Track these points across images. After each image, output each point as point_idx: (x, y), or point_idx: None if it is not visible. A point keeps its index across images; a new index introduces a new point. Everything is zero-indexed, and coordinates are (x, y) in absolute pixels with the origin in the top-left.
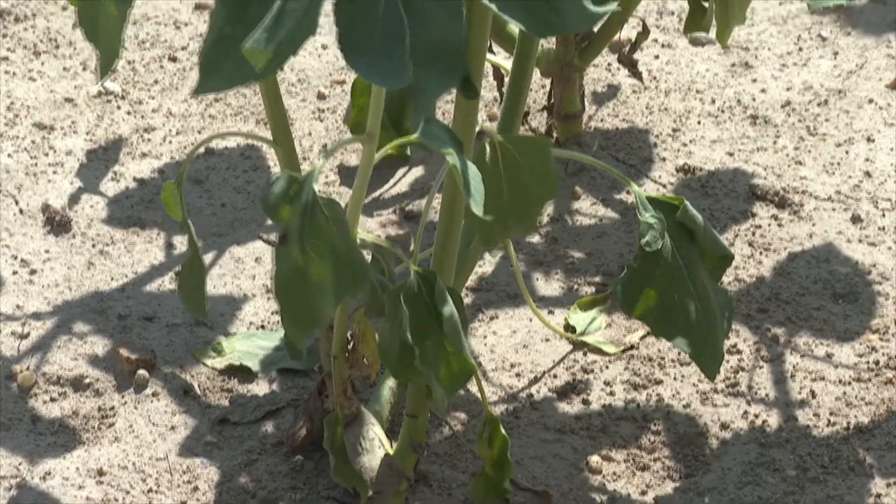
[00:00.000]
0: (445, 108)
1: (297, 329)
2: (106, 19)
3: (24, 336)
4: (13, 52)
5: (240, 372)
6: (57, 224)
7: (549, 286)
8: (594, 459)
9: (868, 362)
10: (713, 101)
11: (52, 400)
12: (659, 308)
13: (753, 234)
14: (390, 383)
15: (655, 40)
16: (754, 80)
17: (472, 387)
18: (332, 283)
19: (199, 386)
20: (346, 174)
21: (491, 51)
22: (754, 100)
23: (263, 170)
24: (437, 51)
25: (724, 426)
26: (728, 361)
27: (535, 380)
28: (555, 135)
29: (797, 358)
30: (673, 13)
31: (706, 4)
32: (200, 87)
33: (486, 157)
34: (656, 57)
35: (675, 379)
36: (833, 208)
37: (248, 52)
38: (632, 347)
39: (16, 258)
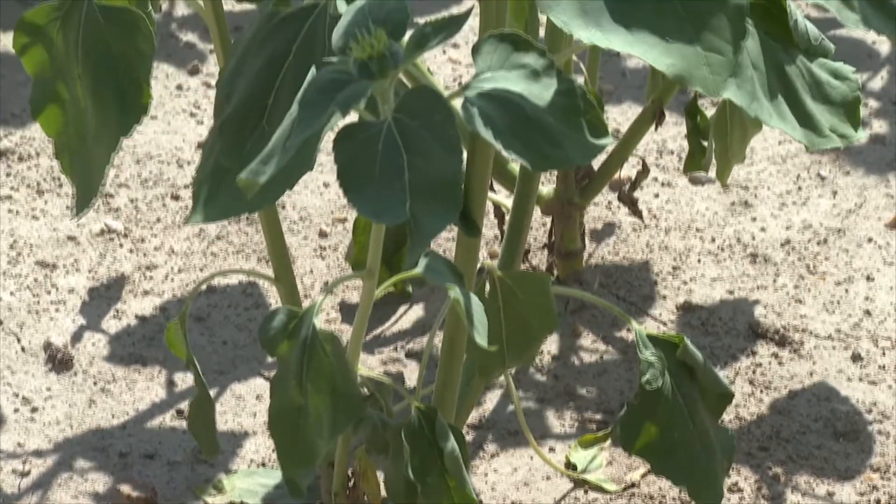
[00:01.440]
0: (446, 245)
1: (293, 465)
2: (87, 157)
3: (25, 474)
4: (16, 191)
5: None
6: (58, 362)
7: (551, 423)
8: None
9: (869, 501)
10: (713, 240)
11: None
12: (659, 446)
13: (754, 372)
14: None
15: (655, 179)
16: (754, 219)
17: None
18: (329, 418)
19: None
20: (347, 312)
21: (492, 189)
22: (754, 238)
23: (265, 307)
24: (436, 187)
25: None
26: (729, 500)
27: None
28: (555, 272)
29: (798, 496)
30: (673, 152)
31: (705, 144)
32: (194, 217)
33: (485, 291)
34: (656, 195)
35: None
36: (833, 347)
37: (242, 184)
38: (633, 485)
39: (17, 396)
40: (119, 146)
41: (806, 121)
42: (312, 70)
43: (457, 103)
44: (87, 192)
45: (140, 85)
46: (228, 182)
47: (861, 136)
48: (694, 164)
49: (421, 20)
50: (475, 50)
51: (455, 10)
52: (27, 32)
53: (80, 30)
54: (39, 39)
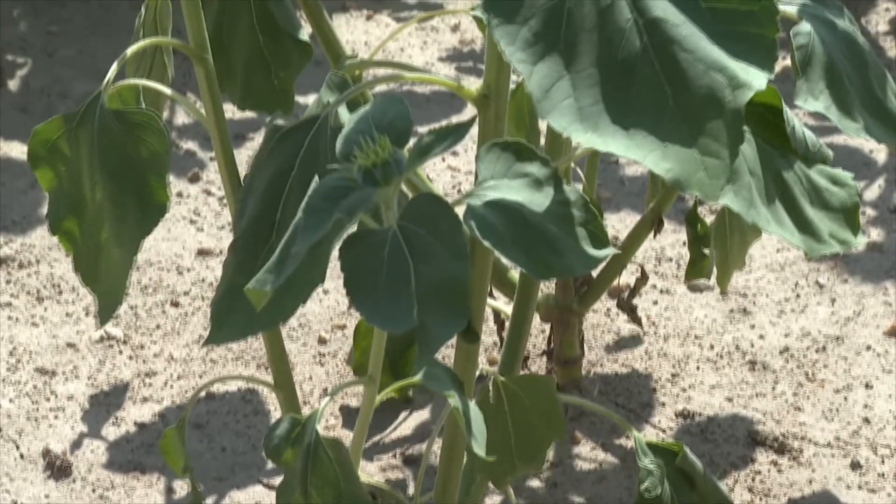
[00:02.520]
0: (445, 352)
1: None
2: (108, 264)
3: None
4: (16, 298)
5: None
6: (57, 469)
7: None
8: None
9: None
10: (712, 347)
11: None
12: None
13: (753, 479)
14: None
15: (654, 286)
16: (752, 326)
17: None
18: None
19: None
20: (348, 417)
21: (491, 295)
22: (753, 345)
23: (264, 414)
24: (443, 294)
25: None
26: None
27: None
28: (555, 379)
29: None
30: (671, 259)
31: (707, 252)
32: (212, 338)
33: (489, 398)
34: (655, 302)
35: None
36: (832, 454)
37: (251, 294)
38: None
39: (16, 503)
40: (140, 248)
41: (805, 226)
42: (316, 178)
43: (459, 210)
44: (110, 300)
45: (157, 184)
46: (243, 300)
47: (861, 242)
48: (696, 271)
49: (422, 128)
50: (478, 158)
51: (455, 118)
52: (41, 148)
53: (94, 136)
54: (53, 154)
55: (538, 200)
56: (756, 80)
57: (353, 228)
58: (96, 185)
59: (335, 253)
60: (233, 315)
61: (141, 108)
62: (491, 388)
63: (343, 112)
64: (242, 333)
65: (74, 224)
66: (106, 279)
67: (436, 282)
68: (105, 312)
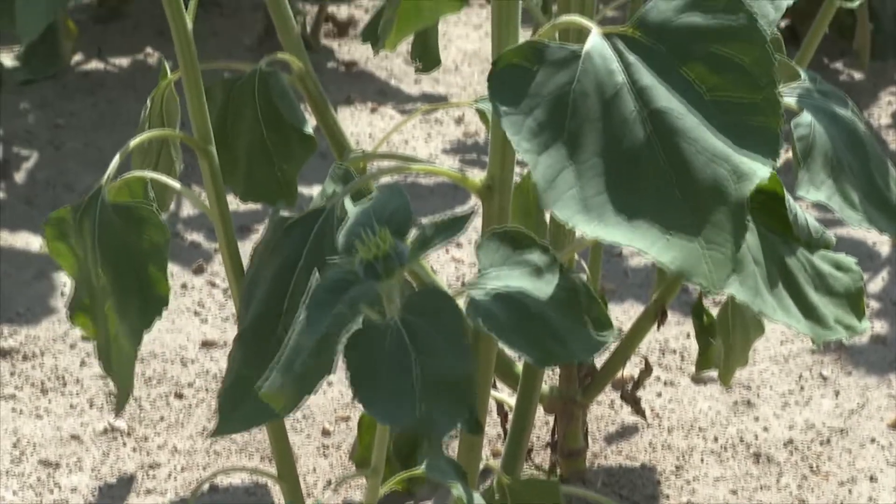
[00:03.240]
0: (448, 443)
1: None
2: (119, 354)
3: None
4: (20, 390)
5: None
6: None
7: None
8: None
9: None
10: (716, 439)
11: None
12: None
13: None
14: None
15: (658, 378)
16: (756, 419)
17: None
18: None
19: None
20: None
21: (494, 387)
22: (757, 438)
23: None
24: (446, 386)
25: None
26: None
27: None
28: (559, 471)
29: None
30: (675, 351)
31: (714, 342)
32: (219, 429)
33: (494, 500)
34: (659, 394)
35: None
36: None
37: (266, 398)
38: None
39: None
40: (141, 340)
41: (810, 313)
42: (317, 273)
43: (460, 301)
44: (125, 388)
45: (158, 276)
46: (250, 392)
47: (865, 328)
48: (705, 363)
49: (425, 220)
50: (478, 247)
51: (459, 209)
52: (58, 234)
53: (95, 229)
54: (69, 241)
55: (539, 288)
56: (759, 171)
57: (359, 321)
58: (100, 277)
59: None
60: (239, 407)
61: (140, 202)
62: (496, 489)
63: (348, 203)
64: (249, 425)
65: (90, 313)
66: (118, 369)
67: (439, 375)
68: (121, 400)
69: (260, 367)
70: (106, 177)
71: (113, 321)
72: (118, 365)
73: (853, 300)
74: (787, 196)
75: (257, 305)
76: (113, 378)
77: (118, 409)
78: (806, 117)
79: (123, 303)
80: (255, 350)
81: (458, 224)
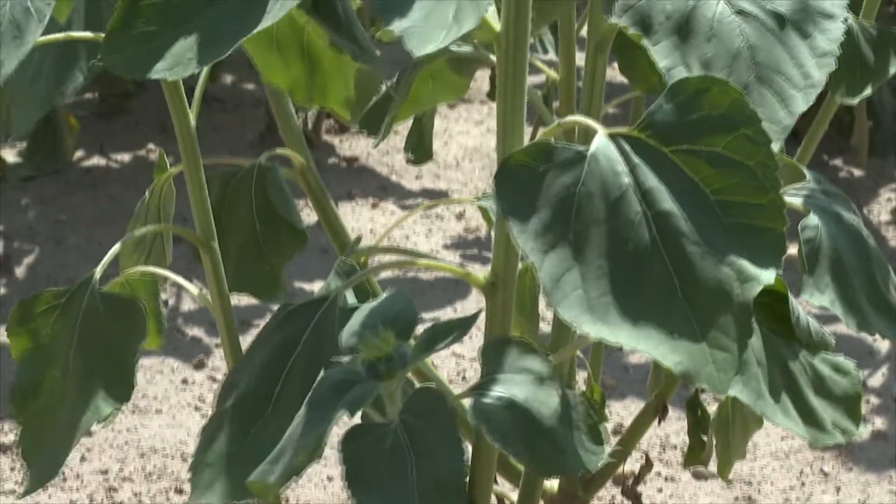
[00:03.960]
0: None
1: None
2: (52, 443)
3: None
4: (20, 485)
5: None
6: None
7: None
8: None
9: None
10: None
11: None
12: None
13: None
14: None
15: (659, 473)
16: None
17: None
18: None
19: None
20: None
21: (495, 481)
22: None
23: None
24: (441, 487)
25: None
26: None
27: None
28: None
29: None
30: (676, 447)
31: (706, 439)
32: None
33: None
34: (660, 490)
35: None
36: None
37: (253, 487)
38: None
39: None
40: (88, 430)
41: (809, 417)
42: (322, 371)
43: (464, 402)
44: (45, 474)
45: (128, 368)
46: (231, 468)
47: (861, 432)
48: (694, 458)
49: (426, 314)
50: (481, 353)
51: (459, 304)
52: (23, 317)
53: (79, 318)
54: (32, 326)
55: (541, 398)
56: (764, 274)
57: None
58: (70, 365)
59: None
60: (220, 481)
61: (128, 296)
62: None
63: (350, 296)
64: (226, 499)
65: (32, 398)
66: (47, 454)
67: (435, 476)
68: (34, 484)
69: (243, 446)
70: (100, 266)
71: (62, 411)
72: (53, 451)
73: (851, 404)
74: (791, 298)
75: (248, 385)
76: (30, 462)
77: (28, 491)
78: (813, 219)
79: (86, 393)
80: (240, 428)
81: (463, 326)
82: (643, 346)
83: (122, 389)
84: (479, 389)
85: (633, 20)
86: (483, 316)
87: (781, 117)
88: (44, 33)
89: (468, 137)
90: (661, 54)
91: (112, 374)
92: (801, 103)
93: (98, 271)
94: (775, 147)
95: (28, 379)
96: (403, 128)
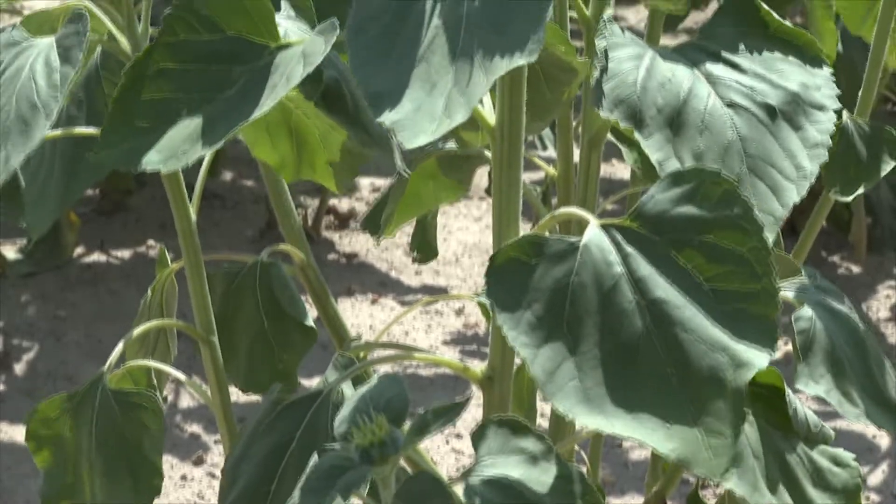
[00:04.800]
0: None
1: None
2: None
3: None
4: None
5: None
6: None
7: None
8: None
9: None
10: None
11: None
12: None
13: None
14: None
15: None
16: None
17: None
18: None
19: None
20: None
21: None
22: None
23: None
24: None
25: None
26: None
27: None
28: None
29: None
30: None
31: None
32: None
33: None
34: None
35: None
36: None
37: None
38: None
39: None
40: None
41: None
42: (315, 457)
43: (459, 489)
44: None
45: (152, 465)
46: None
47: None
48: None
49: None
50: (475, 436)
51: (459, 401)
52: (41, 426)
53: (94, 417)
54: (52, 432)
55: (535, 476)
56: (757, 359)
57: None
58: (93, 465)
59: None
60: None
61: (140, 390)
62: None
63: (347, 389)
64: None
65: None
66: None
67: None
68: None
69: None
70: (108, 364)
71: None
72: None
73: (850, 496)
74: (788, 390)
75: (245, 483)
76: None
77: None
78: (806, 311)
79: (114, 493)
80: None
81: (455, 410)
82: (639, 434)
83: (149, 489)
84: (472, 472)
85: (625, 114)
86: (481, 411)
87: (774, 208)
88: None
89: (468, 233)
90: (654, 148)
91: (137, 473)
92: (794, 194)
93: (107, 370)
94: (769, 235)
95: (53, 485)
96: (405, 224)
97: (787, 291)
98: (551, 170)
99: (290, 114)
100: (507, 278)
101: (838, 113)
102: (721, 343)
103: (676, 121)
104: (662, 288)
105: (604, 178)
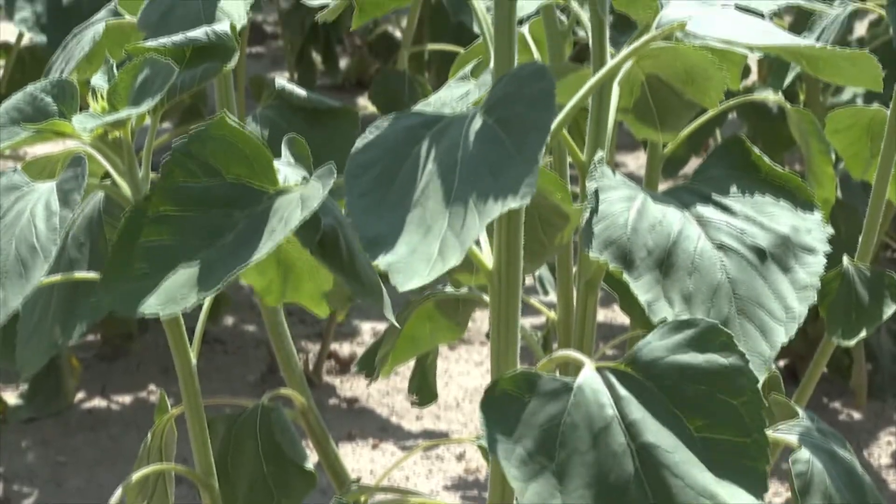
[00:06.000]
0: None
1: None
2: None
3: None
4: None
5: None
6: None
7: None
8: None
9: None
10: None
11: None
12: None
13: None
14: None
15: None
16: None
17: None
18: None
19: None
20: None
21: None
22: None
23: None
24: None
25: None
26: None
27: None
28: None
29: None
30: None
31: None
32: None
33: None
34: None
35: None
36: None
37: None
38: None
39: None
40: None
41: None
42: None
43: None
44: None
45: None
46: None
47: None
48: None
49: None
50: None
51: None
52: None
53: None
54: None
55: None
56: None
57: None
58: None
59: None
60: None
61: None
62: None
63: None
64: None
65: None
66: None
67: None
68: None
69: None
70: None
71: None
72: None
73: None
74: None
75: None
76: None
77: None
78: (804, 454)
79: None
80: None
81: None
82: None
83: None
84: None
85: (615, 256)
86: None
87: (763, 349)
88: (51, 271)
89: (468, 378)
90: (643, 289)
91: None
92: (783, 335)
93: None
94: (759, 376)
95: None
96: (404, 368)
97: (786, 434)
98: (552, 314)
99: (280, 246)
100: (502, 410)
101: (828, 255)
102: (709, 490)
103: (666, 262)
104: (654, 432)
105: (605, 324)
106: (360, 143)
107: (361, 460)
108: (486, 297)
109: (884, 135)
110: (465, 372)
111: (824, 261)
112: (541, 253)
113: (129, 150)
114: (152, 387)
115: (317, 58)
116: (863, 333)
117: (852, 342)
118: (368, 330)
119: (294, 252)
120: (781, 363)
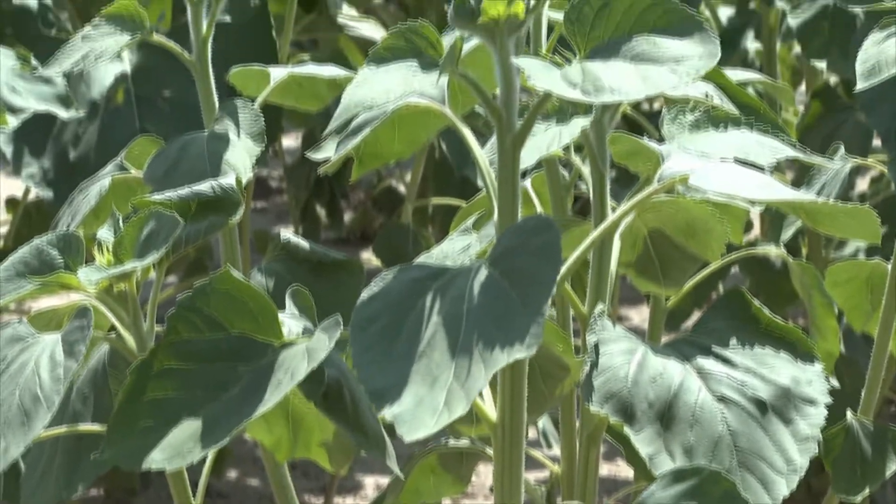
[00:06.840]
0: None
1: None
2: None
3: None
4: None
5: None
6: None
7: None
8: None
9: None
10: None
11: None
12: None
13: None
14: None
15: None
16: None
17: None
18: None
19: None
20: None
21: None
22: None
23: None
24: None
25: None
26: None
27: None
28: None
29: None
30: None
31: None
32: None
33: None
34: None
35: None
36: None
37: None
38: None
39: None
40: None
41: None
42: None
43: None
44: None
45: None
46: None
47: None
48: None
49: None
50: None
51: None
52: None
53: None
54: None
55: None
56: None
57: None
58: None
59: None
60: None
61: None
62: None
63: None
64: None
65: None
66: None
67: None
68: None
69: None
70: None
71: None
72: None
73: None
74: None
75: None
76: None
77: None
78: None
79: None
80: None
81: None
82: None
83: None
84: None
85: (615, 409)
86: None
87: (765, 502)
88: (55, 422)
89: None
90: (644, 442)
91: None
92: (784, 488)
93: None
94: None
95: None
96: None
97: None
98: (556, 468)
99: (287, 402)
100: None
101: (832, 409)
102: None
103: (667, 415)
104: None
105: (608, 478)
106: (365, 295)
107: None
108: (490, 451)
109: (884, 288)
110: None
111: (825, 412)
112: (541, 404)
113: (135, 302)
114: None
115: (321, 212)
116: (867, 490)
117: (857, 499)
118: (371, 483)
119: (303, 406)
120: None
